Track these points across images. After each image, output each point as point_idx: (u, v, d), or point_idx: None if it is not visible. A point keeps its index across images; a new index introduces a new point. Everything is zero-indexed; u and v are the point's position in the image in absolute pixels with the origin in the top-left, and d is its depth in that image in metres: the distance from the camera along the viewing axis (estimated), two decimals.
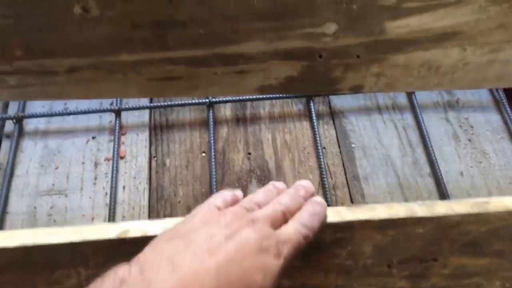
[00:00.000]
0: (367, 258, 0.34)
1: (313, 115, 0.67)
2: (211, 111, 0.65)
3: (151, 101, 0.68)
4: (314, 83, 0.56)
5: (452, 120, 0.69)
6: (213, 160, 0.61)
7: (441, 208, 0.33)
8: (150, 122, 0.66)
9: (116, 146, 0.62)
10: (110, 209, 0.56)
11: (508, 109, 0.69)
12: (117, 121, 0.64)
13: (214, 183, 0.59)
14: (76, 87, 0.51)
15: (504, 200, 0.34)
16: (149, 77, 0.52)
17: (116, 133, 0.63)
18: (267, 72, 0.54)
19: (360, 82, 0.56)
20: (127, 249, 0.30)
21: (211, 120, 0.65)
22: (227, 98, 0.66)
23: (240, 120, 0.67)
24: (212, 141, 0.63)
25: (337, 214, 0.32)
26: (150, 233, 0.30)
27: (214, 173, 0.60)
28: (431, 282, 0.36)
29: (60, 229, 0.29)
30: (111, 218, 0.56)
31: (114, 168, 0.60)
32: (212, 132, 0.64)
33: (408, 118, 0.69)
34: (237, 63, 0.53)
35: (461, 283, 0.36)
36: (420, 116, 0.67)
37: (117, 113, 0.64)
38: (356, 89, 0.57)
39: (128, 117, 0.66)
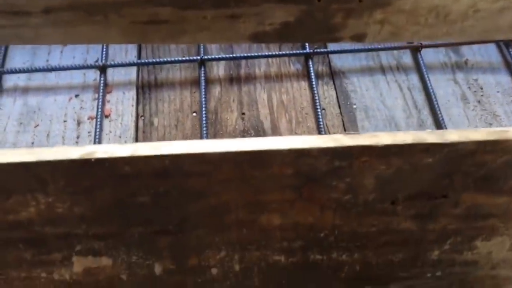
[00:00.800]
0: (369, 192, 0.29)
1: (312, 74, 0.63)
2: (202, 69, 0.61)
3: (139, 58, 0.64)
4: (313, 30, 0.51)
5: (460, 81, 0.65)
6: (204, 119, 0.57)
7: (454, 136, 0.29)
8: (137, 80, 0.62)
9: (100, 104, 0.58)
10: None
11: None
12: (102, 78, 0.59)
13: None
14: (52, 30, 0.47)
15: None
16: (132, 20, 0.48)
17: (101, 91, 0.59)
18: (261, 17, 0.50)
19: (362, 30, 0.52)
20: (92, 170, 0.26)
21: (203, 78, 0.61)
22: (220, 56, 0.62)
23: (233, 79, 0.63)
24: (203, 100, 0.59)
25: (334, 141, 0.28)
26: (117, 154, 0.26)
27: (205, 133, 0.56)
28: (441, 223, 0.31)
29: (13, 150, 0.25)
30: None
31: (98, 127, 0.56)
32: (203, 91, 0.60)
33: (414, 79, 0.65)
34: (229, 6, 0.48)
35: (475, 225, 0.32)
36: (426, 76, 0.63)
37: (102, 69, 0.60)
38: (358, 38, 0.53)
39: (114, 75, 0.62)
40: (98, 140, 0.56)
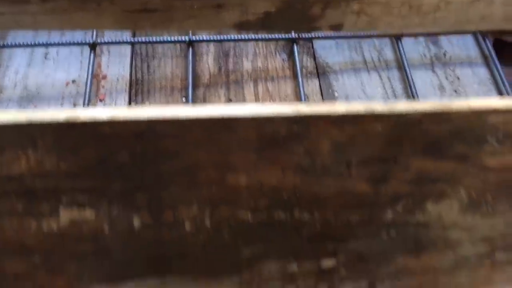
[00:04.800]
0: (325, 156, 0.33)
1: (297, 64, 0.66)
2: (191, 52, 0.65)
3: (133, 36, 0.68)
4: (293, 20, 0.55)
5: (438, 72, 0.68)
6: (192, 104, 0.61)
7: (402, 106, 0.32)
8: (131, 66, 0.66)
9: (89, 81, 0.61)
10: None
11: (497, 62, 0.68)
12: (92, 55, 0.63)
13: None
14: (50, 17, 0.51)
15: (469, 101, 0.33)
16: (124, 8, 0.51)
17: (90, 67, 0.62)
18: (245, 7, 0.54)
19: (340, 20, 0.55)
20: (76, 131, 0.29)
21: (191, 62, 0.64)
22: (208, 37, 0.66)
23: (222, 67, 0.67)
24: (191, 87, 0.62)
25: (293, 108, 0.31)
26: (98, 117, 0.29)
27: None
28: (393, 187, 0.35)
29: (5, 111, 0.29)
30: None
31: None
32: (192, 77, 0.64)
33: (394, 69, 0.68)
34: None
35: (424, 189, 0.35)
36: (406, 67, 0.66)
37: (93, 46, 0.63)
38: (336, 27, 0.56)
39: (109, 62, 0.66)
40: None
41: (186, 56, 0.66)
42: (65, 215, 0.32)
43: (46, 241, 0.33)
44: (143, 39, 0.66)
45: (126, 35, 0.69)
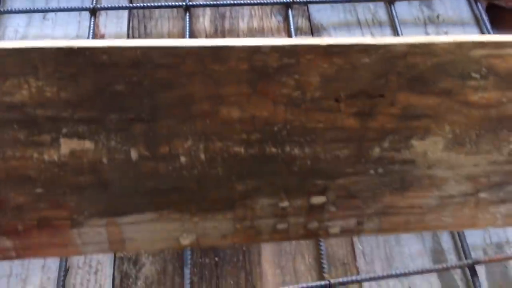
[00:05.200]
0: (315, 89, 0.34)
1: (292, 27, 0.67)
2: (188, 17, 0.65)
3: (131, 1, 0.68)
4: None
5: (431, 33, 0.69)
6: None
7: (388, 39, 0.33)
8: (128, 28, 0.67)
9: None
10: None
11: (488, 24, 0.69)
12: (93, 20, 0.64)
13: None
14: None
15: (455, 36, 0.34)
16: None
17: (91, 32, 0.63)
18: None
19: None
20: (75, 59, 0.31)
21: (188, 26, 0.65)
22: (204, 2, 0.66)
23: (218, 30, 0.68)
24: None
25: (283, 40, 0.32)
26: (96, 44, 0.30)
27: None
28: (379, 122, 0.36)
29: (7, 41, 0.30)
30: None
31: None
32: (188, 37, 0.64)
33: (388, 32, 0.69)
34: None
35: (410, 124, 0.37)
36: (399, 29, 0.67)
37: (93, 12, 0.64)
38: None
39: (106, 23, 0.67)
40: None
41: (183, 18, 0.67)
42: (66, 146, 0.34)
43: (47, 172, 0.35)
44: (141, 4, 0.67)
45: (124, 2, 0.69)
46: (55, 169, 0.35)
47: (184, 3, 0.65)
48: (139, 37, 0.66)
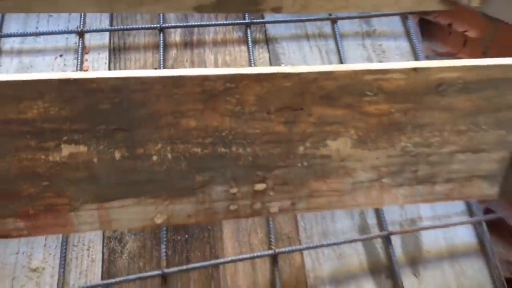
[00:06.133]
0: (251, 105, 0.46)
1: (250, 40, 0.79)
2: (162, 35, 0.77)
3: (111, 25, 0.79)
4: (241, 3, 0.67)
5: (368, 46, 0.82)
6: None
7: (303, 68, 0.45)
8: (109, 43, 0.78)
9: (79, 62, 0.73)
10: None
11: (415, 37, 0.82)
12: (80, 41, 0.75)
13: None
14: (42, 2, 0.62)
15: (350, 65, 0.47)
16: None
17: (79, 51, 0.74)
18: None
19: (279, 3, 0.68)
20: (71, 86, 0.42)
21: (162, 43, 0.76)
22: (176, 24, 0.78)
23: (187, 44, 0.79)
24: (162, 60, 0.75)
25: (226, 71, 0.44)
26: (86, 76, 0.42)
27: None
28: (302, 128, 0.48)
29: (22, 74, 0.41)
30: None
31: None
32: (162, 52, 0.76)
33: (331, 44, 0.81)
34: None
35: (324, 129, 0.49)
36: (340, 43, 0.80)
37: (81, 34, 0.75)
38: (276, 10, 0.69)
39: (91, 39, 0.77)
40: None
41: (157, 34, 0.78)
42: (66, 150, 0.45)
43: (52, 169, 0.46)
44: (120, 27, 0.78)
45: (105, 23, 0.80)
46: (58, 167, 0.46)
47: (158, 25, 0.76)
48: (119, 50, 0.77)
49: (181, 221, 0.53)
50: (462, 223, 0.66)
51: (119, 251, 0.62)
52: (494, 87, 0.48)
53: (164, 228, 0.64)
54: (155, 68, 0.75)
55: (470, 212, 0.68)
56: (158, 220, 0.53)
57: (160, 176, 0.49)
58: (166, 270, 0.60)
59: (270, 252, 0.61)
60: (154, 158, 0.48)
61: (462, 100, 0.49)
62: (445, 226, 0.65)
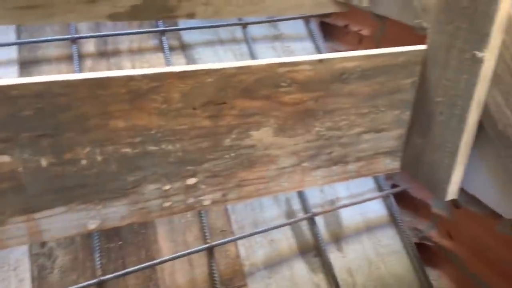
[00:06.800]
0: (177, 102, 0.48)
1: (166, 47, 0.81)
2: (75, 46, 0.76)
3: (18, 38, 0.76)
4: (156, 10, 0.70)
5: (278, 48, 0.88)
6: None
7: (222, 64, 0.49)
8: (18, 57, 0.75)
9: None
10: None
11: (319, 39, 0.90)
12: None
13: None
14: None
15: (267, 60, 0.52)
16: (13, 5, 0.61)
17: None
18: (114, 2, 0.67)
19: (193, 10, 0.72)
20: None
21: (76, 54, 0.75)
22: (89, 34, 0.77)
23: (102, 54, 0.79)
24: (78, 70, 0.74)
25: (150, 70, 0.46)
26: (10, 83, 0.41)
27: None
28: (226, 120, 0.52)
29: None
30: None
31: None
32: (77, 64, 0.75)
33: (244, 48, 0.86)
34: None
35: (247, 121, 0.53)
36: (251, 46, 0.85)
37: None
38: (190, 16, 0.72)
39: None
40: None
41: (68, 46, 0.77)
42: None
43: None
44: (29, 39, 0.75)
45: (12, 36, 0.76)
46: None
47: (71, 36, 0.75)
48: (30, 63, 0.75)
49: (115, 224, 0.53)
50: (373, 198, 0.74)
51: (49, 267, 0.60)
52: (386, 73, 0.56)
53: (97, 237, 0.63)
54: None
55: (379, 188, 0.77)
56: (92, 226, 0.52)
57: (91, 180, 0.49)
58: (102, 278, 0.59)
59: (205, 246, 0.64)
60: (83, 162, 0.48)
61: (362, 86, 0.56)
62: (359, 203, 0.72)
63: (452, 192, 0.60)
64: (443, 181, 0.60)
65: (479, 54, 0.51)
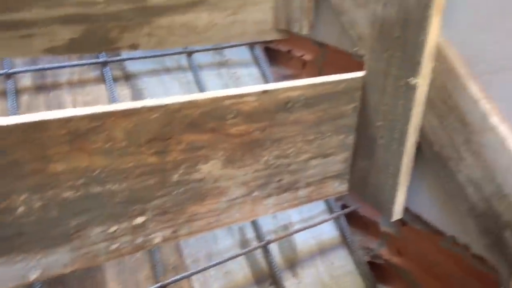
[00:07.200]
0: (121, 140, 0.47)
1: (109, 78, 0.79)
2: (11, 81, 0.72)
3: None
4: (96, 43, 0.68)
5: (224, 75, 0.88)
6: None
7: (167, 100, 0.48)
8: None
9: None
10: None
11: (264, 64, 0.91)
12: None
13: None
14: None
15: (210, 93, 0.52)
16: None
17: None
18: (51, 36, 0.65)
19: (136, 41, 0.71)
20: None
21: (12, 89, 0.71)
22: (25, 68, 0.73)
23: (40, 88, 0.75)
24: (15, 106, 0.70)
25: (91, 110, 0.44)
26: None
27: None
28: (173, 156, 0.51)
29: None
30: None
31: None
32: (13, 100, 0.71)
33: (189, 76, 0.86)
34: (18, 29, 0.62)
35: (195, 154, 0.52)
36: (198, 73, 0.85)
37: None
38: (134, 47, 0.71)
39: None
40: None
41: (3, 81, 0.73)
42: None
43: None
44: None
45: None
46: None
47: (5, 71, 0.71)
48: None
49: (57, 272, 0.50)
50: (325, 221, 0.75)
51: None
52: (329, 100, 0.58)
53: (39, 286, 0.59)
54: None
55: (330, 209, 0.78)
56: (33, 276, 0.49)
57: (29, 228, 0.46)
58: None
59: (157, 285, 0.61)
60: (20, 209, 0.45)
61: (306, 113, 0.57)
62: (312, 226, 0.73)
63: (397, 212, 0.62)
64: (388, 202, 0.62)
65: (412, 80, 0.54)
